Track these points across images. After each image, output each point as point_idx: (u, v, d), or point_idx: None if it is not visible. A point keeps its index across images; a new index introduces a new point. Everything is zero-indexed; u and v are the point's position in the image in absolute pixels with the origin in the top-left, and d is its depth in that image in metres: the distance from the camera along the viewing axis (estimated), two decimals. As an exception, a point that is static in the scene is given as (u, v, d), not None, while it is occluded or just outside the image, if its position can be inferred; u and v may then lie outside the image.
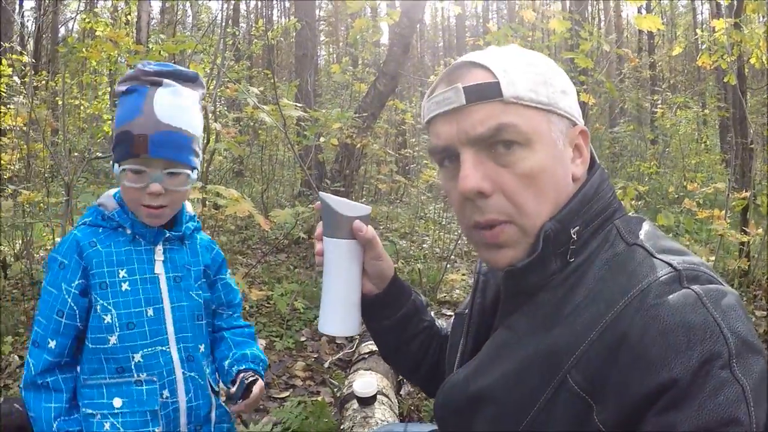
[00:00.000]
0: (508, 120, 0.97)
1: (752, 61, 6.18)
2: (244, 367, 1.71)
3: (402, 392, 3.60)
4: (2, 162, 6.38)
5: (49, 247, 6.49)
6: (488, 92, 0.98)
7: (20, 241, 5.98)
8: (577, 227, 1.01)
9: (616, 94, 6.93)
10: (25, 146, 6.15)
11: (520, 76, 0.98)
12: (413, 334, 1.40)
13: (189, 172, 1.56)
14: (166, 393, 1.58)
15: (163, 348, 1.60)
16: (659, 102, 14.27)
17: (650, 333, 0.83)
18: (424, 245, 8.09)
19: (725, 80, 6.47)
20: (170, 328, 1.62)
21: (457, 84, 1.00)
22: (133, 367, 1.56)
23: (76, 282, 1.56)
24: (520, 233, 1.02)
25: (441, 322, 1.48)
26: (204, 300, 1.72)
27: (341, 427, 2.86)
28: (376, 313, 1.35)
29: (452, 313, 5.33)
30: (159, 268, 1.63)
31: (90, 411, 1.54)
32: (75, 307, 1.55)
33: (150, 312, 1.59)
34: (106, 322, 1.54)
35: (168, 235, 1.65)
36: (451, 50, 28.49)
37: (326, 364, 4.21)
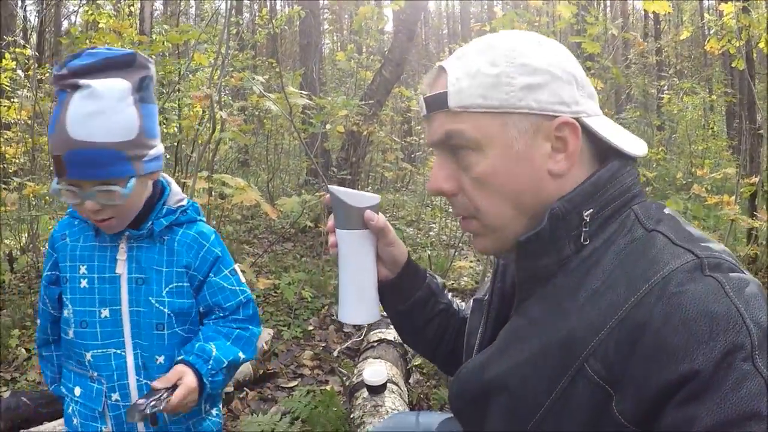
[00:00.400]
0: (454, 127, 1.01)
1: (761, 45, 6.12)
2: (182, 357, 1.52)
3: (411, 381, 3.60)
4: (7, 155, 6.38)
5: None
6: (439, 103, 1.02)
7: (26, 235, 6.00)
8: (591, 210, 0.99)
9: (623, 80, 6.86)
10: (29, 139, 6.14)
11: (469, 83, 1.00)
12: (429, 317, 1.41)
13: (120, 188, 1.39)
14: (116, 396, 1.54)
15: (117, 351, 1.54)
16: (665, 88, 14.17)
17: (672, 322, 0.82)
18: (431, 233, 8.08)
19: (733, 65, 6.41)
20: (127, 332, 1.55)
21: (425, 93, 1.06)
22: (86, 363, 1.55)
23: (47, 273, 1.62)
24: (485, 228, 1.06)
25: (460, 304, 1.49)
26: (175, 309, 1.58)
27: (351, 416, 2.85)
28: (392, 297, 1.37)
29: (459, 301, 5.36)
30: (121, 268, 1.55)
31: (64, 390, 1.64)
32: (46, 296, 1.64)
33: (105, 313, 1.54)
34: (65, 315, 1.58)
35: (127, 233, 1.55)
36: (456, 37, 28.36)
37: (335, 353, 4.21)
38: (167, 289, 1.57)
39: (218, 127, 4.16)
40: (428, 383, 3.64)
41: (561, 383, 0.92)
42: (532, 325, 1.02)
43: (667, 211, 1.02)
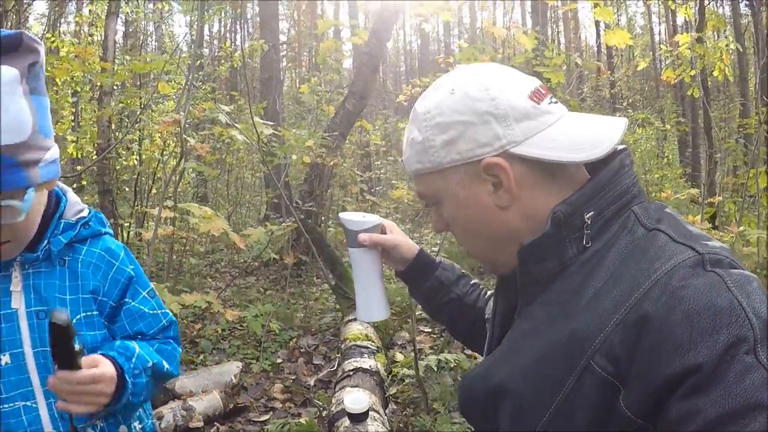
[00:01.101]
0: (418, 189, 1.17)
1: (715, 73, 6.32)
2: (100, 353, 1.26)
3: (387, 411, 3.53)
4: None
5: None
6: (405, 170, 1.19)
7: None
8: (592, 212, 1.00)
9: (580, 112, 7.00)
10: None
11: (408, 154, 1.13)
12: (439, 305, 1.56)
13: (17, 202, 1.12)
14: None
15: (27, 403, 1.26)
16: (620, 119, 14.52)
17: (675, 315, 0.83)
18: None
19: (689, 93, 6.61)
20: (35, 379, 1.26)
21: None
22: None
23: None
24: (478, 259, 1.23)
25: (484, 293, 1.59)
26: (87, 344, 1.29)
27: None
28: (408, 285, 1.60)
29: (429, 330, 5.33)
30: (17, 302, 1.26)
31: None
32: None
33: (5, 359, 1.24)
34: None
35: (19, 258, 1.26)
36: (414, 74, 28.71)
37: (312, 381, 4.12)
38: (75, 320, 1.29)
39: (184, 155, 4.08)
40: (404, 412, 3.58)
41: (568, 382, 0.92)
42: (536, 327, 1.02)
43: (666, 210, 1.03)
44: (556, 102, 1.09)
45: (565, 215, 0.99)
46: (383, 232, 1.49)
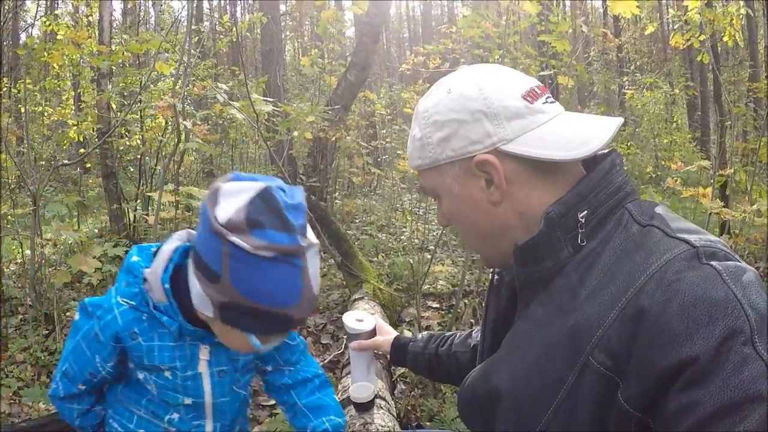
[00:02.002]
0: (420, 183, 1.24)
1: (725, 39, 6.18)
2: None
3: (396, 391, 3.51)
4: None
5: (19, 261, 6.27)
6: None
7: (-12, 256, 5.78)
8: (585, 211, 1.03)
9: (587, 77, 6.91)
10: (-12, 156, 5.93)
11: (410, 150, 1.19)
12: (423, 367, 1.89)
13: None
14: None
15: (197, 422, 1.51)
16: (627, 83, 14.35)
17: (671, 308, 0.84)
18: (402, 236, 8.01)
19: (699, 59, 6.45)
20: (209, 412, 1.50)
21: None
22: (165, 420, 1.48)
23: (111, 363, 1.41)
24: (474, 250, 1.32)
25: (456, 338, 1.82)
26: (249, 382, 1.61)
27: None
28: (395, 363, 2.15)
29: (437, 306, 5.31)
30: (203, 367, 1.44)
31: (113, 422, 1.52)
32: (107, 375, 1.45)
33: (188, 401, 1.46)
34: (139, 378, 1.45)
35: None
36: (417, 40, 28.41)
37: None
38: (244, 370, 1.54)
39: (182, 137, 4.03)
40: (413, 393, 3.57)
41: (568, 379, 0.94)
42: (535, 327, 1.05)
43: (660, 208, 1.06)
44: (552, 101, 1.11)
45: (558, 215, 1.03)
46: (374, 332, 1.96)
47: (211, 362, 1.44)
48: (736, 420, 0.76)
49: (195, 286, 1.21)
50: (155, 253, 1.37)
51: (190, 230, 1.38)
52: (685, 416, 0.80)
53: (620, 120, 1.09)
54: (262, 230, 1.11)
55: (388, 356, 1.99)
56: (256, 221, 1.11)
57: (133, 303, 1.34)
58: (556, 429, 0.96)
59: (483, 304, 1.53)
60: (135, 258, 1.37)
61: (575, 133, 1.06)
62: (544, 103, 1.09)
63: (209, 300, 1.19)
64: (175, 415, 1.47)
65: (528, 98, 1.08)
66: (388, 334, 1.97)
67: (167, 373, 1.41)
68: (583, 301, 0.97)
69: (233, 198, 1.15)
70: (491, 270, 1.37)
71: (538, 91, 1.10)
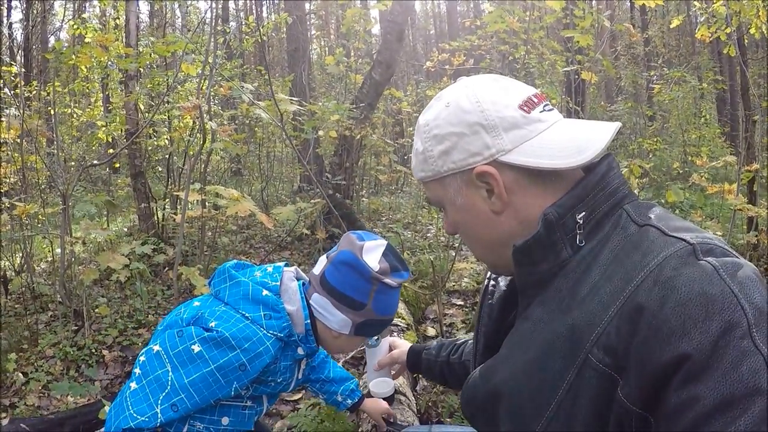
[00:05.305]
0: (427, 195, 1.27)
1: (752, 31, 6.09)
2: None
3: (417, 388, 3.53)
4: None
5: (49, 259, 6.41)
6: None
7: (20, 255, 5.91)
8: (584, 213, 1.06)
9: (613, 71, 6.84)
10: (19, 158, 6.06)
11: (414, 163, 1.23)
12: (437, 374, 1.99)
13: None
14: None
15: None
16: (655, 78, 14.14)
17: (668, 304, 0.85)
18: (428, 234, 8.02)
19: (725, 52, 6.37)
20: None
21: None
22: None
23: (248, 386, 1.70)
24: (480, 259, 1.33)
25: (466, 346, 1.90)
26: None
27: (359, 431, 2.78)
28: (413, 372, 2.24)
29: (461, 303, 5.32)
30: (299, 373, 1.87)
31: (197, 424, 1.70)
32: (239, 387, 1.67)
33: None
34: (244, 393, 1.76)
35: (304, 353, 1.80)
36: (444, 37, 28.35)
37: (339, 363, 4.13)
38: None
39: (209, 137, 4.09)
40: (434, 389, 3.58)
41: (567, 378, 0.96)
42: (535, 327, 1.06)
43: (656, 208, 1.08)
44: (550, 109, 1.13)
45: (556, 216, 1.05)
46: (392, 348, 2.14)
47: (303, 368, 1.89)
48: (736, 414, 0.76)
49: (335, 314, 1.66)
50: (260, 282, 1.70)
51: (298, 269, 1.79)
52: (685, 412, 0.80)
53: (617, 125, 1.11)
54: (398, 272, 1.66)
55: (406, 366, 2.11)
56: (394, 267, 1.66)
57: (281, 335, 1.63)
58: (557, 426, 0.97)
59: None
60: (265, 293, 1.65)
61: (573, 140, 1.07)
62: (541, 112, 1.11)
63: (350, 322, 1.66)
64: (249, 402, 1.77)
65: (525, 108, 1.10)
66: (401, 347, 2.13)
67: (273, 383, 1.75)
68: (583, 300, 0.98)
69: (372, 253, 1.65)
70: (487, 275, 1.43)
71: (536, 100, 1.12)
